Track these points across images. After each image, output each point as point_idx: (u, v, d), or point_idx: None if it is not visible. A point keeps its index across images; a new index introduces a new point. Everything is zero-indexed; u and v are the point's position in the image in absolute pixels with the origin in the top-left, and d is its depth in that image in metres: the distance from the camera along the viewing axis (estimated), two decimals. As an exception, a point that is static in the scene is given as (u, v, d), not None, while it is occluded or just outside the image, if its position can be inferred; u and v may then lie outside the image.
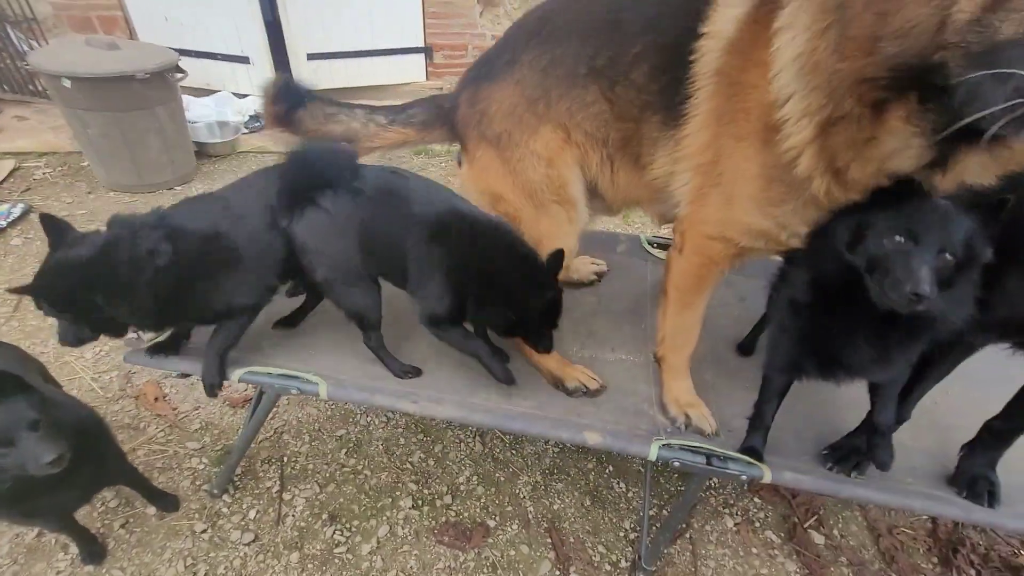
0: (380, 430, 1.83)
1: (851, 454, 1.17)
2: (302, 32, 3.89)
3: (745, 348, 1.55)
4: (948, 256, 0.81)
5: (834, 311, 0.94)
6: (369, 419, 1.86)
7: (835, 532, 1.67)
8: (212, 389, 1.23)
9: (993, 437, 1.16)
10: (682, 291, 1.23)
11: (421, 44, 4.41)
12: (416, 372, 1.33)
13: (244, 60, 3.81)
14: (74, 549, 1.40)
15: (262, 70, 3.87)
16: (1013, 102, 0.63)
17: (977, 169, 0.81)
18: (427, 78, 4.61)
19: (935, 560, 1.62)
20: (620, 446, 1.15)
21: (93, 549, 1.39)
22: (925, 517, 1.72)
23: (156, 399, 1.83)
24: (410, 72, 4.49)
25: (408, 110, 1.46)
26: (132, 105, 2.62)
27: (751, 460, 1.12)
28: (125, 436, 1.71)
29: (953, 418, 1.33)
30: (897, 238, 0.82)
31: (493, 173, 1.30)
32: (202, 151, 3.24)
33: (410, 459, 1.74)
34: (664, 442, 1.14)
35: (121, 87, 2.54)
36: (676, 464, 1.12)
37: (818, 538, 1.64)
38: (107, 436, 1.28)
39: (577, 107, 1.20)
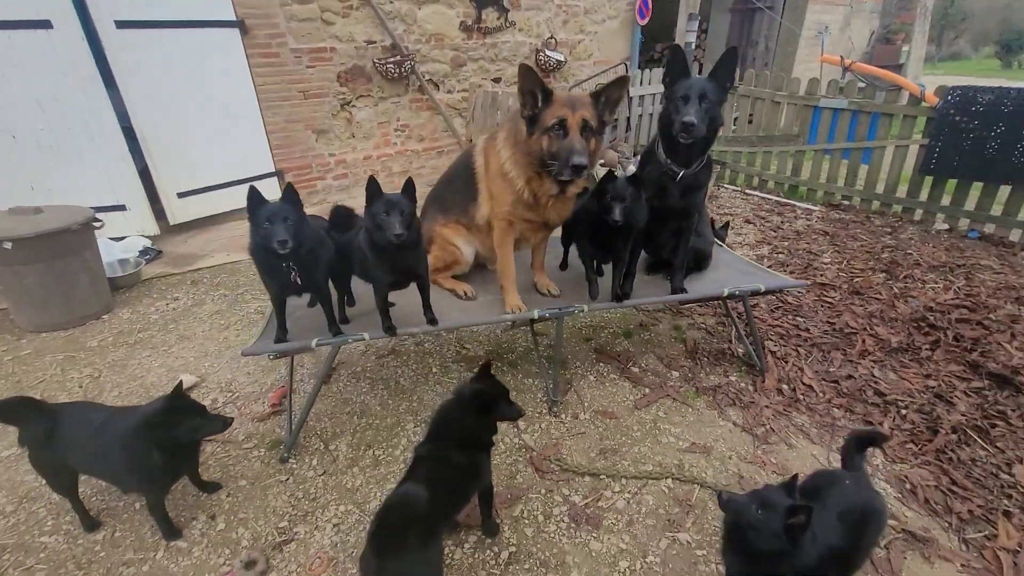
0: (373, 399, 2.72)
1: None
2: (170, 175, 4.58)
3: (563, 266, 2.99)
4: (627, 201, 2.19)
5: (598, 231, 2.28)
6: (362, 398, 2.74)
7: (643, 365, 3.05)
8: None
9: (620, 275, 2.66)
10: (499, 244, 2.49)
11: (272, 169, 5.38)
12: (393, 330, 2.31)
13: (120, 208, 4.34)
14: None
15: (139, 214, 4.43)
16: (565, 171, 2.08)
17: (573, 192, 2.33)
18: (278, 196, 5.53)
19: (691, 360, 3.10)
20: (520, 317, 2.37)
21: (171, 528, 1.95)
22: (682, 346, 3.22)
23: (201, 432, 2.45)
24: (266, 194, 5.37)
25: None
26: (67, 253, 3.13)
27: (578, 305, 2.42)
28: (191, 459, 2.32)
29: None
30: (609, 197, 2.18)
31: (435, 236, 2.66)
32: (112, 285, 3.70)
33: (401, 407, 2.67)
34: (536, 311, 2.38)
35: (57, 239, 3.06)
36: (546, 316, 2.37)
37: (636, 370, 3.00)
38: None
39: (448, 214, 2.62)
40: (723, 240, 3.38)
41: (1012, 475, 2.19)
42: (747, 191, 6.26)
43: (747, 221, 5.35)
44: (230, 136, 4.93)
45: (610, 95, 2.13)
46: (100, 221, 3.40)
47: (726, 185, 6.50)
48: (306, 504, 2.12)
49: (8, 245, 2.91)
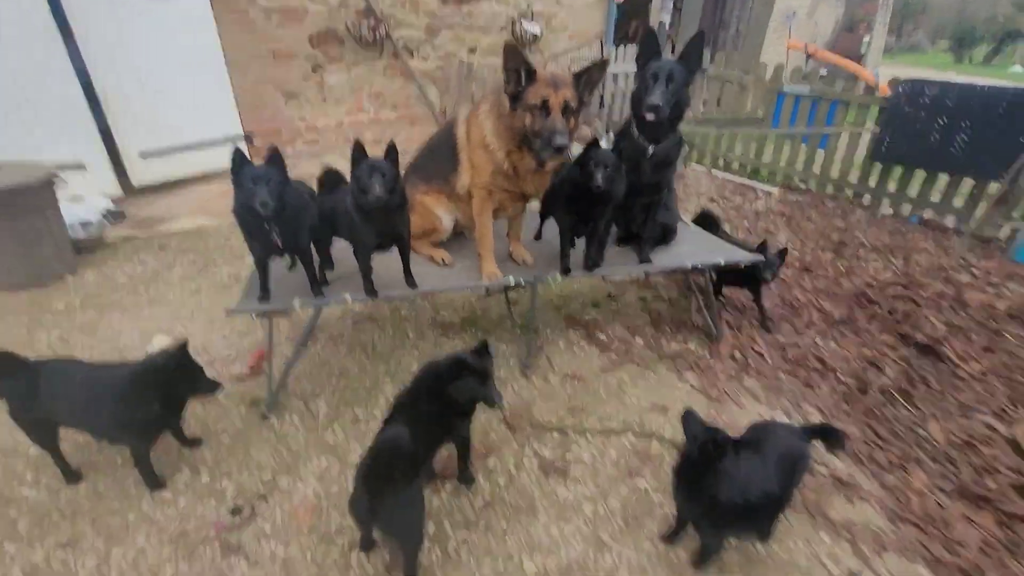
0: (351, 362, 2.81)
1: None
2: (131, 134, 4.42)
3: (537, 236, 3.04)
4: (609, 168, 2.30)
5: (579, 200, 2.39)
6: (341, 360, 2.82)
7: (609, 332, 3.23)
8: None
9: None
10: (478, 213, 2.59)
11: (240, 132, 5.23)
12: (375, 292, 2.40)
13: (79, 167, 4.16)
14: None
15: (99, 174, 4.27)
16: (546, 150, 2.19)
17: (551, 166, 2.43)
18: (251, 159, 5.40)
19: (654, 329, 3.30)
20: (496, 284, 2.48)
21: (156, 479, 2.03)
22: (646, 315, 3.42)
23: (180, 392, 2.49)
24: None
25: None
26: (28, 211, 3.03)
27: (547, 276, 2.55)
28: (171, 416, 2.36)
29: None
30: (593, 164, 2.28)
31: (416, 204, 2.67)
32: (73, 247, 3.59)
33: (379, 369, 2.77)
34: (512, 278, 2.51)
35: (18, 197, 2.96)
36: (521, 283, 2.50)
37: (603, 337, 3.18)
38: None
39: (429, 183, 2.65)
40: (777, 267, 3.11)
41: (927, 431, 2.49)
42: (713, 171, 6.49)
43: (711, 200, 5.57)
44: (195, 95, 4.77)
45: (591, 76, 2.22)
46: (63, 180, 3.28)
47: (694, 164, 6.71)
48: (288, 458, 2.21)
49: (-36, 201, 2.81)
